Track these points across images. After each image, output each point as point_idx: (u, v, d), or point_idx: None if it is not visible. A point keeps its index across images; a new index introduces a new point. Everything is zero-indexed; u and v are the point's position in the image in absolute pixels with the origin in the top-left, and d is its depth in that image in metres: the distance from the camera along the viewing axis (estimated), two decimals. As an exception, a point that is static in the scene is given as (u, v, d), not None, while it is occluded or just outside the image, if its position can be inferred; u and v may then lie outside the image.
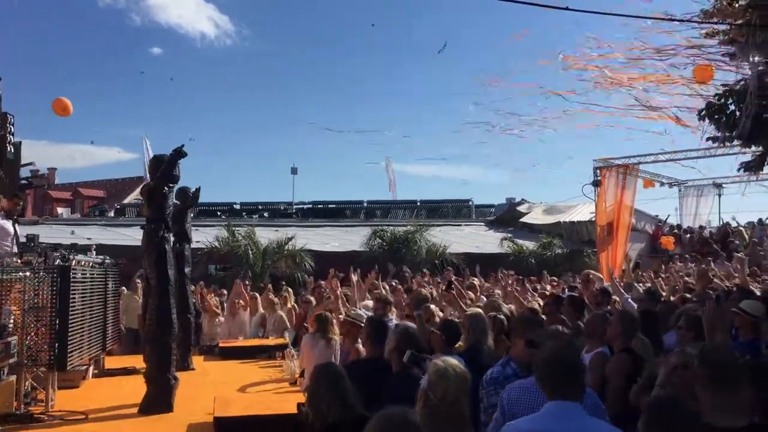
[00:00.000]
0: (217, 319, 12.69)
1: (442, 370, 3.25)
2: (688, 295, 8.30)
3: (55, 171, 41.53)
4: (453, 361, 3.39)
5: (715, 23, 8.74)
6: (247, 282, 14.25)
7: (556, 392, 3.00)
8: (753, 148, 9.57)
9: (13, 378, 6.82)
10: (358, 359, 5.78)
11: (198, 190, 10.25)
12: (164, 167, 7.65)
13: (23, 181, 12.50)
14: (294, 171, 36.82)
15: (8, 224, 8.28)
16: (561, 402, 2.98)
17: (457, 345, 5.21)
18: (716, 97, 9.01)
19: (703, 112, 9.11)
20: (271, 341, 11.63)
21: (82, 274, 8.20)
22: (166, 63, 72.98)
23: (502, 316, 5.89)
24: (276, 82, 76.23)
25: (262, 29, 76.29)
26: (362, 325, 6.55)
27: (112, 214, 30.76)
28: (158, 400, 7.32)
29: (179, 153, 7.61)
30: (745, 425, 2.79)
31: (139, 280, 11.62)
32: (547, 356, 3.12)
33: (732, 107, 8.80)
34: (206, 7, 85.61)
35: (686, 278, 11.44)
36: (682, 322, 5.37)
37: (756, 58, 8.34)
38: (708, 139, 9.70)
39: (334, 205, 32.90)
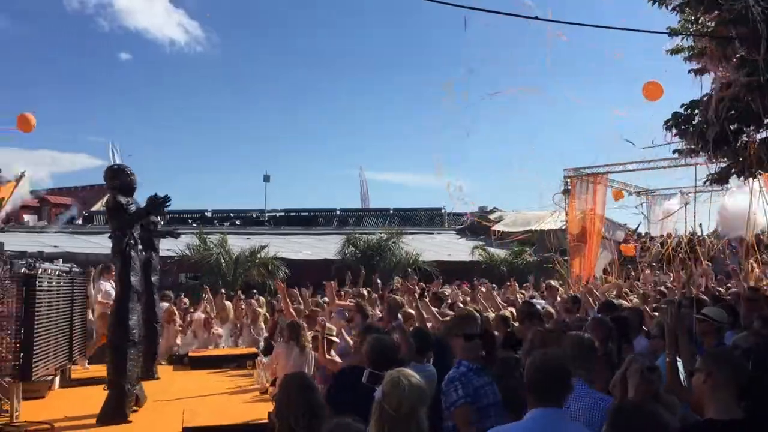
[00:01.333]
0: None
1: (396, 380, 3.18)
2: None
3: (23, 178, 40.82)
4: (408, 371, 3.32)
5: (685, 35, 8.90)
6: (222, 291, 14.06)
7: (542, 399, 3.05)
8: (719, 160, 9.72)
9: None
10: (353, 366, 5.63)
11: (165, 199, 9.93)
12: (128, 217, 7.58)
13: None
14: (266, 178, 36.68)
15: None
16: (545, 409, 3.03)
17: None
18: (683, 107, 9.16)
19: (670, 122, 9.25)
20: (242, 350, 11.56)
21: (48, 282, 8.07)
22: (135, 69, 72.25)
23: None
24: (247, 88, 75.85)
25: (231, 35, 75.83)
26: (335, 340, 6.58)
27: (80, 221, 30.32)
28: (115, 408, 7.20)
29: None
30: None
31: None
32: (536, 363, 3.18)
33: (698, 118, 8.96)
34: (176, 13, 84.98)
35: (662, 286, 11.59)
36: (654, 331, 5.50)
37: (720, 72, 8.51)
38: (674, 151, 9.84)
39: (306, 213, 32.84)
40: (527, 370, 3.22)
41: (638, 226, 24.09)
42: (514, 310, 8.01)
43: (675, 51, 9.15)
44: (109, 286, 10.34)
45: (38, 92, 66.23)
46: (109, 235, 7.97)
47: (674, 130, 9.34)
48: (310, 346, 7.19)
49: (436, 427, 4.00)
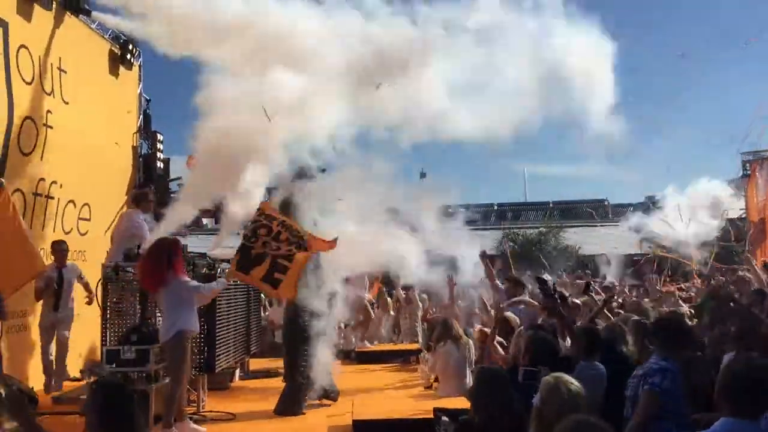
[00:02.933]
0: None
1: (554, 387, 3.10)
2: None
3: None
4: (566, 377, 3.21)
5: None
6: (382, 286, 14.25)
7: (736, 409, 2.82)
8: None
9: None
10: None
11: None
12: None
13: (173, 195, 13.34)
14: (422, 175, 36.93)
15: (142, 220, 8.40)
16: (737, 420, 2.79)
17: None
18: None
19: None
20: (405, 346, 11.75)
21: (226, 281, 8.62)
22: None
23: (645, 321, 5.67)
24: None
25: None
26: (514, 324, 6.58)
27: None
28: (291, 401, 7.58)
29: None
30: None
31: None
32: (736, 369, 2.97)
33: None
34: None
35: None
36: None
37: None
38: None
39: (463, 209, 32.69)
40: (723, 374, 2.96)
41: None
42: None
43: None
44: None
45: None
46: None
47: None
48: (465, 338, 7.24)
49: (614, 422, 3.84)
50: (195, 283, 6.85)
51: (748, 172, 18.81)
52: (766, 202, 18.15)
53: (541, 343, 4.64)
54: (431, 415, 5.79)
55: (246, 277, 7.31)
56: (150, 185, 13.27)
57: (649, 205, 27.96)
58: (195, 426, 6.76)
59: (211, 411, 7.56)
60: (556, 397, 3.07)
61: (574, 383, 3.19)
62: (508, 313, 7.05)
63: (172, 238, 6.96)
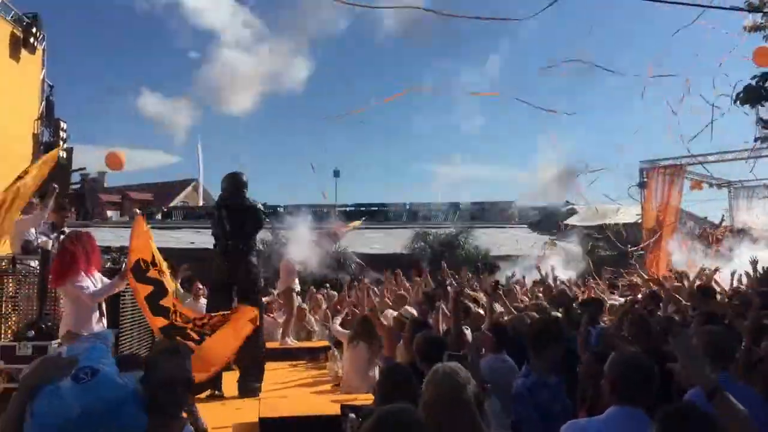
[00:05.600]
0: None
1: (433, 372, 3.12)
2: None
3: (105, 175, 42.60)
4: (450, 364, 3.24)
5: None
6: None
7: (624, 398, 3.01)
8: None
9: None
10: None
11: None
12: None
13: (77, 185, 12.90)
14: (336, 173, 37.01)
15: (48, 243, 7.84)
16: (626, 408, 2.99)
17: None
18: (754, 80, 8.77)
19: (741, 95, 8.88)
20: (315, 343, 11.74)
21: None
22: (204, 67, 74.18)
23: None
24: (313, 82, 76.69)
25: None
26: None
27: (159, 216, 31.41)
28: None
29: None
30: None
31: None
32: (622, 360, 3.14)
33: None
34: (241, 12, 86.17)
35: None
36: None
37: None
38: (757, 139, 9.48)
39: (376, 207, 32.94)
40: (611, 367, 3.16)
41: (722, 220, 23.22)
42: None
43: (754, 28, 8.81)
44: None
45: (113, 91, 69.09)
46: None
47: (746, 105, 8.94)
48: (379, 340, 7.31)
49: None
50: (88, 286, 6.16)
51: (645, 179, 19.80)
52: (660, 209, 19.22)
53: (430, 342, 4.76)
54: (339, 412, 5.84)
55: (135, 285, 6.51)
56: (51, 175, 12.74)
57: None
58: None
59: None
60: (431, 379, 3.08)
61: (451, 365, 3.18)
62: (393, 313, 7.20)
63: (83, 233, 6.60)
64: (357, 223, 8.47)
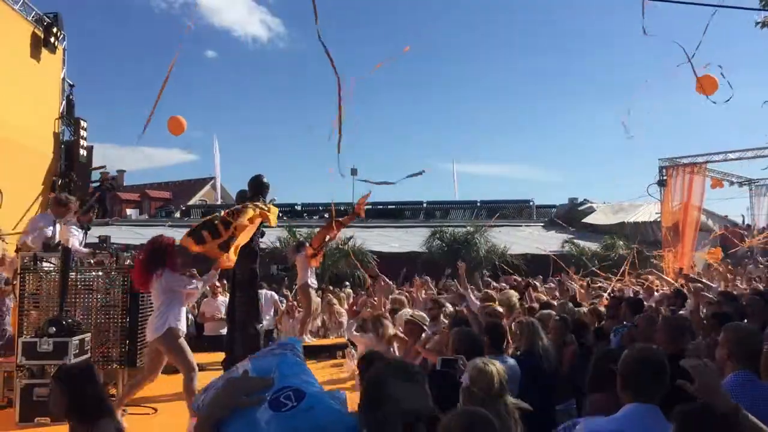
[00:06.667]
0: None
1: (482, 366, 3.31)
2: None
3: (124, 173, 43.03)
4: (494, 360, 3.47)
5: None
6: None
7: (639, 394, 2.96)
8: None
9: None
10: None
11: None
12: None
13: (97, 183, 13.01)
14: (354, 172, 36.96)
15: (76, 236, 8.09)
16: (641, 405, 2.94)
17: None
18: None
19: None
20: (331, 341, 11.76)
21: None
22: (221, 66, 74.57)
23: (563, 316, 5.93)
24: (328, 82, 76.74)
25: (313, 31, 76.93)
26: (425, 327, 6.64)
27: (178, 215, 31.64)
28: None
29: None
30: None
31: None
32: (634, 356, 3.09)
33: None
34: (258, 11, 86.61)
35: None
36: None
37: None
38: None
39: (393, 206, 32.95)
40: (624, 363, 3.12)
41: (743, 219, 22.98)
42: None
43: (766, 24, 8.71)
44: None
45: (132, 92, 69.65)
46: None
47: None
48: (392, 335, 7.30)
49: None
50: (186, 279, 6.79)
51: (665, 177, 19.62)
52: (680, 207, 19.02)
53: (465, 337, 4.80)
54: (356, 410, 5.84)
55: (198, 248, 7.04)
56: (71, 173, 12.88)
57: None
58: None
59: (131, 405, 7.40)
60: (484, 375, 3.26)
61: (498, 363, 3.43)
62: (412, 313, 7.19)
63: (168, 238, 6.88)
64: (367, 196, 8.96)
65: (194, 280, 6.96)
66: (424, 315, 7.04)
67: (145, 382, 6.75)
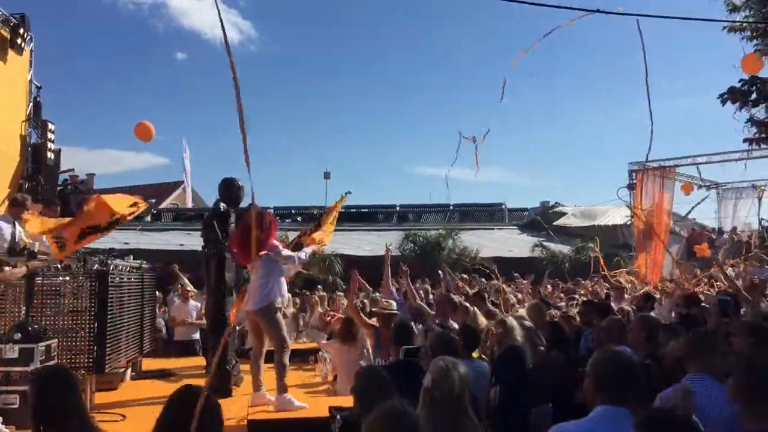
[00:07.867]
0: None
1: (444, 368, 3.31)
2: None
3: (94, 177, 42.29)
4: (453, 359, 3.44)
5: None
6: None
7: (611, 397, 2.99)
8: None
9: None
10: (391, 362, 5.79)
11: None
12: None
13: (61, 188, 12.78)
14: (326, 176, 36.90)
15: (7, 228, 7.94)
16: (611, 408, 2.97)
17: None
18: (740, 83, 8.84)
19: (725, 96, 8.95)
20: (305, 345, 11.72)
21: (119, 278, 8.36)
22: (191, 68, 73.94)
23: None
24: (302, 85, 76.57)
25: (285, 35, 76.73)
26: (395, 312, 6.78)
27: (149, 218, 31.25)
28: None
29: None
30: None
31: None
32: (605, 358, 3.13)
33: (755, 95, 8.69)
34: (229, 13, 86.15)
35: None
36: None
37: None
38: (745, 140, 9.56)
39: (366, 209, 32.91)
40: (595, 366, 3.15)
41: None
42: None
43: (733, 29, 8.90)
44: None
45: (101, 94, 68.82)
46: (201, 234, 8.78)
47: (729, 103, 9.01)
48: (366, 339, 7.37)
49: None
50: (288, 252, 7.17)
51: (635, 181, 19.87)
52: (650, 210, 19.26)
53: (441, 339, 4.82)
54: (327, 414, 5.82)
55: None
56: (39, 176, 12.67)
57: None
58: (269, 396, 7.12)
59: (99, 412, 7.29)
60: (446, 378, 3.24)
61: (461, 364, 3.42)
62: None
63: (268, 212, 7.45)
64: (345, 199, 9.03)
65: (296, 253, 7.28)
66: (391, 301, 7.26)
67: (261, 358, 7.17)
